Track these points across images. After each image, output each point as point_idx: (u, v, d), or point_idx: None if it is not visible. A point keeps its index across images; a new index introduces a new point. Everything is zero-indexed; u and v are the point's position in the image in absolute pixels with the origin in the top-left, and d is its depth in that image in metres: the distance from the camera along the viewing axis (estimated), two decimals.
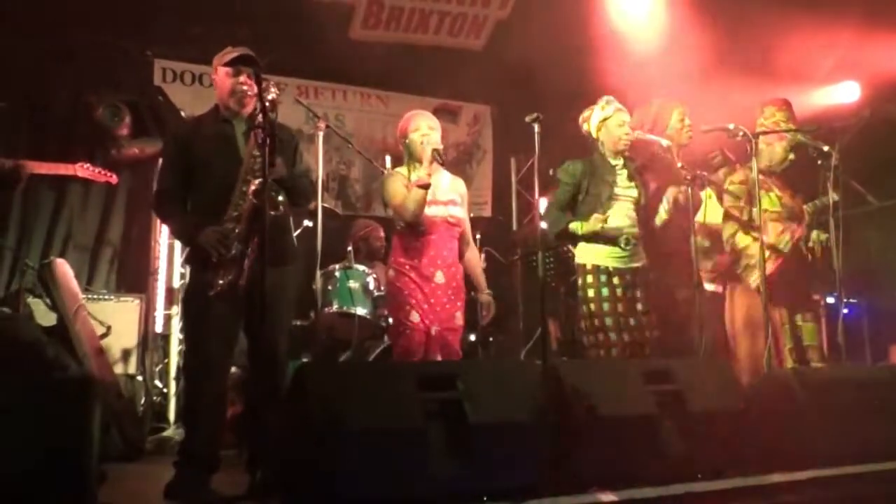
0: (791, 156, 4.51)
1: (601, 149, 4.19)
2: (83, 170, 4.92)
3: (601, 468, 2.77)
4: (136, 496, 3.28)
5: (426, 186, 3.69)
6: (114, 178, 5.11)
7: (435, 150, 3.73)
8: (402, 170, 3.92)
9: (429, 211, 3.76)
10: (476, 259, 4.18)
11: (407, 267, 3.78)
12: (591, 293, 4.04)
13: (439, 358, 3.73)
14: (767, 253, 4.15)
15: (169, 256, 5.81)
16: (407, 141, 3.89)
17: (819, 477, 2.93)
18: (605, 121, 4.17)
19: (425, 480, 2.49)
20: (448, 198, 3.88)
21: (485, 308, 4.04)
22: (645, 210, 4.23)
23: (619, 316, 4.00)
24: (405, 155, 3.93)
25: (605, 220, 3.98)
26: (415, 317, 3.71)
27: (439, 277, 3.78)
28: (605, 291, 4.02)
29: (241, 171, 3.23)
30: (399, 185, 3.82)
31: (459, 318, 3.87)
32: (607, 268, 4.05)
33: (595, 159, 4.18)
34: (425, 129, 3.85)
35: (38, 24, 5.60)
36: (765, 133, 4.36)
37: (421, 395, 2.61)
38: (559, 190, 4.21)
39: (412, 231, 3.79)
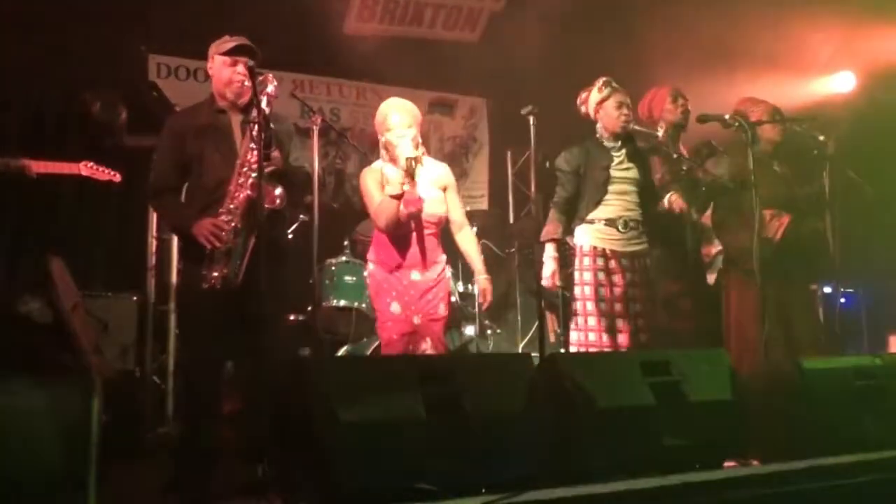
0: (779, 137, 4.51)
1: (599, 131, 4.16)
2: (87, 168, 4.89)
3: (599, 459, 2.78)
4: (135, 492, 3.28)
5: (399, 197, 3.61)
6: (117, 177, 5.07)
7: (409, 160, 3.60)
8: (379, 164, 3.83)
9: (403, 210, 3.68)
10: (469, 241, 3.98)
11: (384, 262, 3.74)
12: (586, 276, 4.00)
13: (424, 347, 3.68)
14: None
15: (166, 252, 5.80)
16: (384, 140, 3.79)
17: (817, 466, 2.94)
18: (602, 102, 4.13)
19: (424, 472, 2.49)
20: (429, 195, 3.76)
21: (481, 294, 3.94)
22: (648, 191, 4.18)
23: (615, 301, 3.97)
24: (381, 150, 3.83)
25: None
26: (395, 308, 3.68)
27: (415, 275, 3.73)
28: (600, 276, 3.98)
29: (236, 164, 3.22)
30: (375, 187, 3.73)
31: (443, 309, 3.80)
32: (604, 250, 4.01)
33: (590, 144, 4.14)
34: (402, 130, 3.71)
35: (32, 20, 5.58)
36: (761, 123, 4.36)
37: (420, 388, 2.61)
38: (560, 184, 4.14)
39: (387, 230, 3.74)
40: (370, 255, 3.85)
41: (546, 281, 4.01)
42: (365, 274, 4.08)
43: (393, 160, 3.73)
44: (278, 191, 3.25)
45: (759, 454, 3.10)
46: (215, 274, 3.13)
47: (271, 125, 3.18)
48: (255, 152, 3.11)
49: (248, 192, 3.16)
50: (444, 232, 3.94)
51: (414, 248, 3.73)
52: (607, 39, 6.05)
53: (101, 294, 5.31)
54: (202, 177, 3.30)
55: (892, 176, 5.44)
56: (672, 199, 4.15)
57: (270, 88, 3.25)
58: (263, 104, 3.17)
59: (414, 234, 3.74)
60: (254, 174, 3.13)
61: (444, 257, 3.90)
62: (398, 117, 3.76)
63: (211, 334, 3.24)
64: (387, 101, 3.90)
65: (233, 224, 3.16)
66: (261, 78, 3.16)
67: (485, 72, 6.72)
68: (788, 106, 4.77)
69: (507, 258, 6.81)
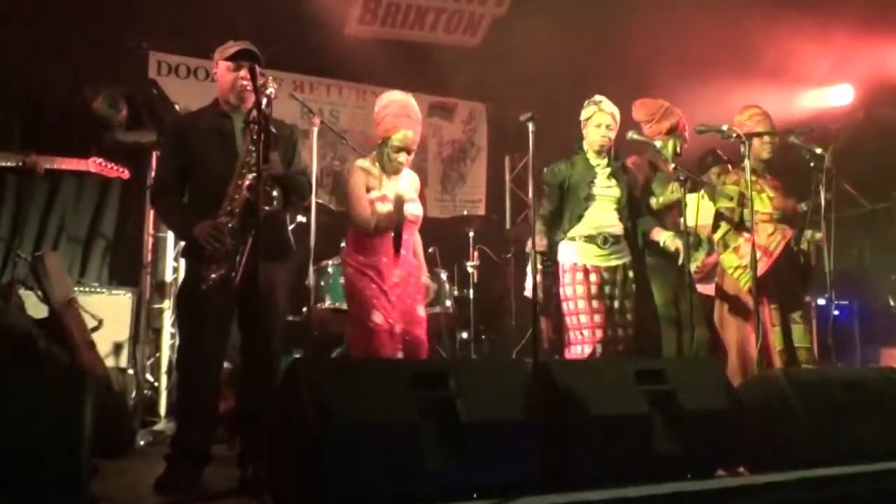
0: (767, 155, 4.51)
1: (585, 147, 4.28)
2: (96, 165, 4.89)
3: (592, 466, 2.78)
4: (127, 490, 3.27)
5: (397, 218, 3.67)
6: (125, 174, 5.07)
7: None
8: (367, 163, 3.82)
9: (388, 208, 3.72)
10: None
11: (365, 266, 3.74)
12: (568, 291, 4.11)
13: (401, 355, 3.69)
14: (759, 254, 4.16)
15: (162, 250, 5.80)
16: (388, 147, 3.82)
17: (808, 477, 2.95)
18: (587, 121, 4.26)
19: (416, 477, 2.50)
20: (410, 196, 3.83)
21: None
22: (628, 208, 4.26)
23: (595, 313, 4.04)
24: (378, 146, 3.86)
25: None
26: (377, 317, 3.67)
27: (396, 275, 3.75)
28: (580, 290, 4.08)
29: (236, 166, 3.24)
30: (361, 189, 3.75)
31: (422, 311, 3.85)
32: (585, 265, 4.11)
33: (577, 159, 4.26)
34: (407, 141, 3.78)
35: (34, 16, 5.58)
36: (758, 134, 4.38)
37: (413, 391, 2.61)
38: (546, 197, 4.25)
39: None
40: (348, 256, 3.83)
41: (528, 292, 4.08)
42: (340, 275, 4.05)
43: (388, 160, 3.80)
44: (276, 192, 3.26)
45: (751, 464, 3.11)
46: (213, 275, 3.17)
47: (272, 127, 3.18)
48: (255, 154, 3.12)
49: (246, 193, 3.18)
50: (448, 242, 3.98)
51: (388, 246, 3.74)
52: (608, 47, 6.07)
53: (96, 290, 5.31)
54: (203, 179, 3.34)
55: (887, 189, 5.46)
56: (667, 240, 4.22)
57: (270, 90, 3.26)
58: (263, 105, 3.17)
59: (404, 234, 3.77)
60: (251, 175, 3.15)
61: (419, 262, 3.94)
62: (413, 136, 3.81)
63: (210, 334, 3.26)
64: (399, 103, 3.86)
65: (231, 225, 3.18)
66: (261, 81, 3.17)
67: (485, 77, 6.74)
68: (787, 118, 4.79)
69: (503, 264, 6.81)
